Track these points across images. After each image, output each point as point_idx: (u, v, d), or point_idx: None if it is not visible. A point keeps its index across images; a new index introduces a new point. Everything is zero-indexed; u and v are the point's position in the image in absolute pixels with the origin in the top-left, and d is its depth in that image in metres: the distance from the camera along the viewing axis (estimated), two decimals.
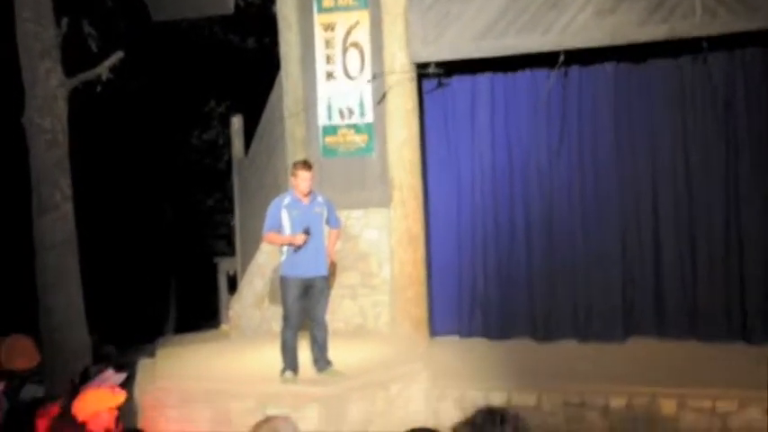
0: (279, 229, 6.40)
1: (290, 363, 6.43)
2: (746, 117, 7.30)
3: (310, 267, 6.38)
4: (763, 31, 6.97)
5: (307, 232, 6.23)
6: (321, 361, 6.50)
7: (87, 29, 10.92)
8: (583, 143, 7.72)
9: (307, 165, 6.53)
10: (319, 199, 6.54)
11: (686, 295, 7.48)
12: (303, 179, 6.38)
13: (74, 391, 6.76)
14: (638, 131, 7.62)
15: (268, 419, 2.95)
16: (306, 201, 6.41)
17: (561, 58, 7.45)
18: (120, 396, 5.45)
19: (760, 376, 6.13)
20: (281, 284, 6.48)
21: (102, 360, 8.19)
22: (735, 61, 7.32)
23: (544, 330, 7.72)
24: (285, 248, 6.44)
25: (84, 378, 6.97)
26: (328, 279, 6.62)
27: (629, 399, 6.06)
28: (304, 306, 6.45)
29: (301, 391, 6.28)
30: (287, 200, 6.44)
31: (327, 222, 6.60)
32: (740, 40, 7.17)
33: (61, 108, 8.39)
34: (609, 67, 7.65)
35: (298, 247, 6.30)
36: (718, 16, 7.06)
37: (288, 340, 6.41)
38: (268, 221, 6.44)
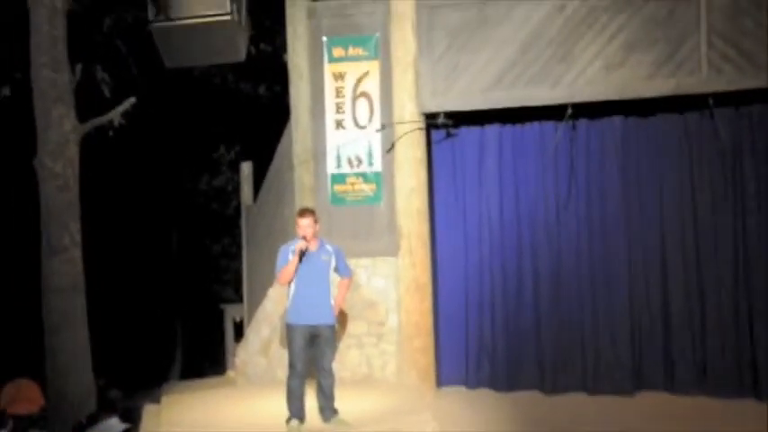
0: None
1: (296, 411, 6.39)
2: (754, 173, 7.35)
3: (315, 315, 6.37)
4: None
5: (304, 238, 6.28)
6: (327, 410, 6.47)
7: (101, 74, 11.08)
8: (591, 196, 7.76)
9: (305, 212, 6.55)
10: (327, 247, 6.55)
11: (695, 350, 7.45)
12: (301, 227, 6.40)
13: None
14: (646, 185, 7.67)
15: None
16: (312, 248, 6.43)
17: (569, 111, 7.55)
18: None
19: None
20: (287, 332, 6.48)
21: (107, 405, 8.15)
22: (741, 118, 7.40)
23: (552, 383, 7.68)
24: (291, 293, 6.46)
25: (92, 422, 6.96)
26: (335, 328, 6.57)
27: None
28: (310, 355, 6.43)
29: None
30: (293, 246, 6.46)
31: (337, 271, 6.61)
32: (746, 97, 7.26)
33: (73, 153, 8.48)
34: (616, 120, 7.73)
35: (301, 254, 6.28)
36: (723, 73, 7.19)
37: (294, 389, 6.38)
38: (279, 262, 6.48)
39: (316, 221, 6.46)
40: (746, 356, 7.28)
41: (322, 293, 6.40)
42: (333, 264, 6.52)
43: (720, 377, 7.32)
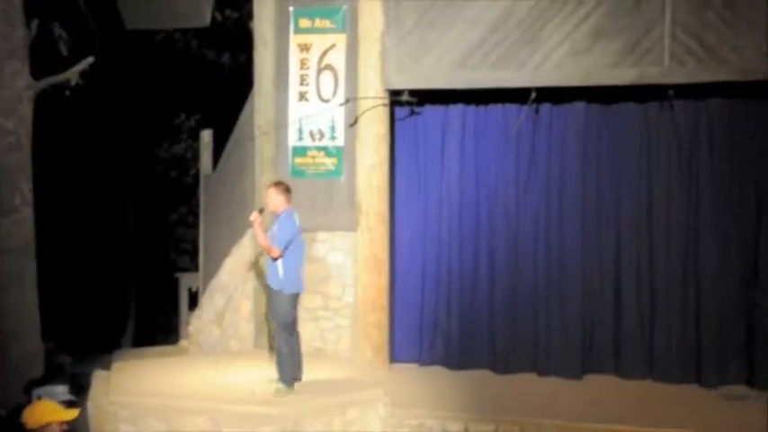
0: None
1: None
2: (709, 165, 7.50)
3: (268, 277, 6.79)
4: (727, 83, 7.19)
5: (261, 211, 6.71)
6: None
7: (58, 31, 10.78)
8: (550, 180, 7.84)
9: (273, 183, 6.93)
10: (281, 216, 6.70)
11: (643, 336, 7.64)
12: (267, 196, 6.81)
13: (28, 398, 6.65)
14: (605, 172, 7.78)
15: None
16: (277, 216, 6.75)
17: (533, 94, 7.57)
18: (73, 413, 5.42)
19: (712, 418, 6.29)
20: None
21: (56, 369, 8.05)
22: (699, 110, 7.53)
23: (504, 363, 7.80)
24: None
25: (41, 383, 6.88)
26: (282, 295, 6.64)
27: None
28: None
29: (256, 411, 6.25)
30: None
31: None
32: (706, 90, 7.37)
33: (26, 110, 8.27)
34: (579, 106, 7.80)
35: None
36: (685, 65, 7.26)
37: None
38: None
39: (278, 193, 6.72)
40: (692, 343, 7.47)
41: (271, 259, 6.65)
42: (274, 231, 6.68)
43: (666, 363, 7.50)
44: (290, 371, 6.60)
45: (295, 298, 6.68)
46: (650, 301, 7.63)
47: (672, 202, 7.61)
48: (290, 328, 6.65)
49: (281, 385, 6.58)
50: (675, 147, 7.60)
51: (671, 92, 7.35)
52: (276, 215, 6.74)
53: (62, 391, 6.80)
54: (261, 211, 6.76)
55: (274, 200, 6.70)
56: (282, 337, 6.59)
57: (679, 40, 7.27)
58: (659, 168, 7.65)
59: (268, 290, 6.89)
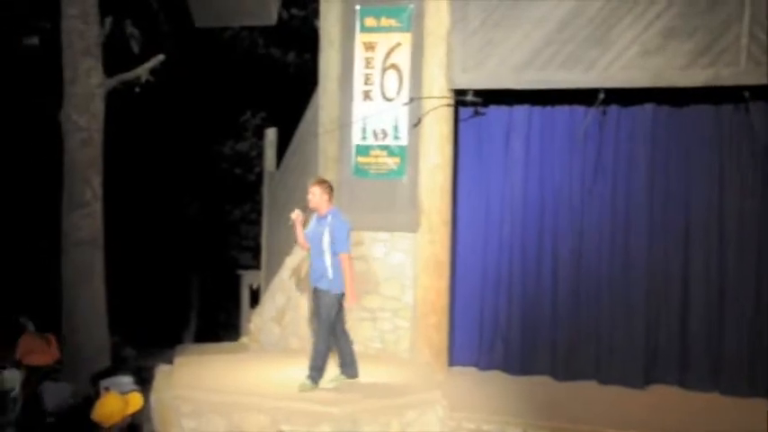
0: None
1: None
2: None
3: (313, 278, 6.75)
4: None
5: (303, 209, 6.64)
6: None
7: (130, 29, 11.04)
8: (617, 183, 7.66)
9: (312, 182, 6.78)
10: (329, 218, 6.60)
11: (711, 346, 7.39)
12: (310, 194, 6.67)
13: (95, 389, 6.85)
14: (674, 176, 7.55)
15: None
16: (320, 216, 6.66)
17: (601, 95, 7.39)
18: (136, 404, 5.55)
19: None
20: None
21: (121, 362, 8.25)
22: None
23: (564, 369, 7.66)
24: None
25: (107, 374, 7.07)
26: (330, 294, 6.62)
27: None
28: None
29: (316, 410, 6.28)
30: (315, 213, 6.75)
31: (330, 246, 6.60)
32: None
33: (98, 107, 8.47)
34: (648, 108, 7.58)
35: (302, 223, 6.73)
36: (762, 66, 6.99)
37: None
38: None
39: (323, 191, 6.63)
40: (762, 356, 7.19)
41: (316, 260, 6.63)
42: (326, 236, 6.55)
43: (735, 375, 7.24)
44: (321, 369, 6.63)
45: (341, 298, 6.66)
46: (719, 310, 7.37)
47: (744, 210, 7.32)
48: (332, 327, 6.66)
49: (307, 381, 6.59)
50: (750, 151, 7.31)
51: (747, 93, 7.09)
52: (319, 215, 6.65)
53: (128, 381, 6.97)
54: (304, 209, 6.67)
55: (318, 198, 6.59)
56: (322, 338, 6.61)
57: (757, 40, 6.99)
58: (732, 172, 7.37)
59: (314, 291, 6.82)
